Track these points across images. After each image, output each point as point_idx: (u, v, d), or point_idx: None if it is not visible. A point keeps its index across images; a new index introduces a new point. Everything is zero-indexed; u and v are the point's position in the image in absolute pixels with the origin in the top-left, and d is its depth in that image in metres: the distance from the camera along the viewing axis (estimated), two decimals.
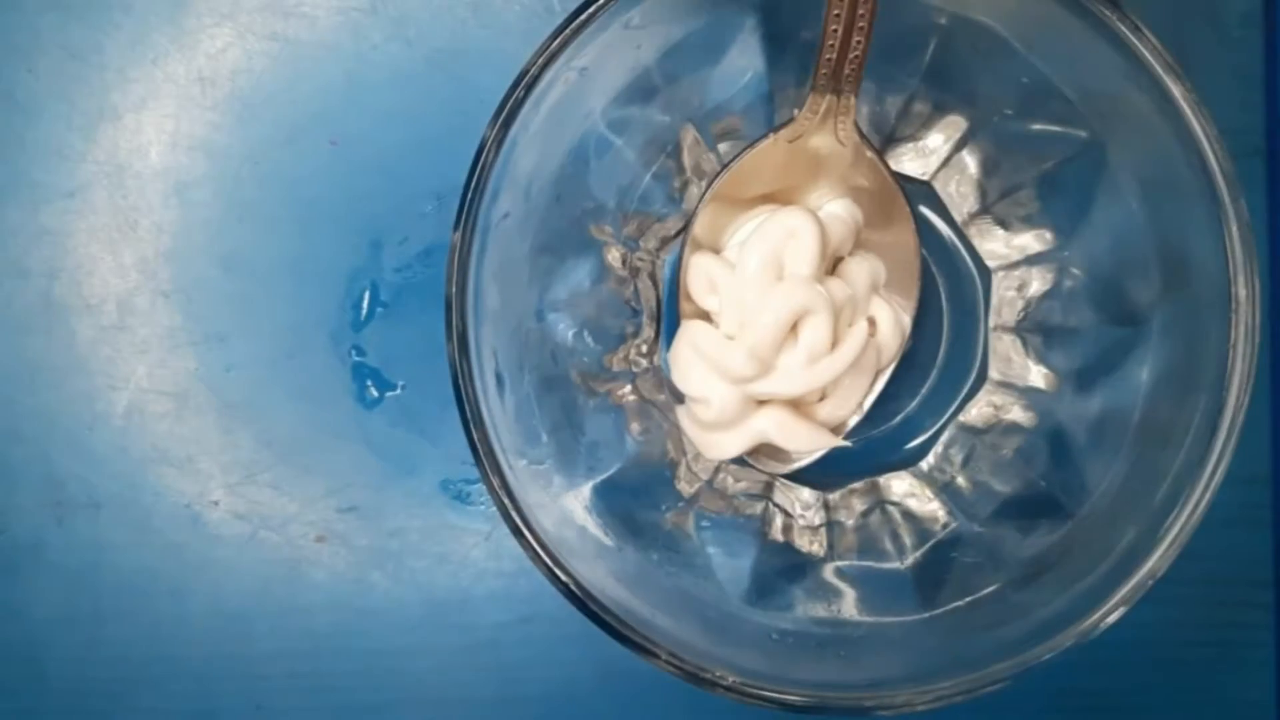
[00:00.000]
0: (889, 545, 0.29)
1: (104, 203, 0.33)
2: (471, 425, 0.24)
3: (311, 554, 0.33)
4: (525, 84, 0.24)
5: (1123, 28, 0.24)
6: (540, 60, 0.24)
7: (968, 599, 0.26)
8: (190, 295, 0.33)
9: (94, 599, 0.33)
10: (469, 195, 0.24)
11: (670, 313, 0.30)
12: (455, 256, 0.24)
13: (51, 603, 0.33)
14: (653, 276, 0.31)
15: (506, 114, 0.24)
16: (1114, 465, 0.26)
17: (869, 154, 0.27)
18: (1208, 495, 0.23)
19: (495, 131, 0.24)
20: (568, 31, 0.24)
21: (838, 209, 0.28)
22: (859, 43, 0.24)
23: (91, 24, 0.33)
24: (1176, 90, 0.23)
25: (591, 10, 0.24)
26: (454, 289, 0.24)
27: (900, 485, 0.31)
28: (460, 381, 0.24)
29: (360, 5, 0.33)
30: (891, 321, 0.29)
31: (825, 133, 0.26)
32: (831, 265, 0.29)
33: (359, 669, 0.33)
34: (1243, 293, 0.23)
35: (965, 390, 0.31)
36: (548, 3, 0.33)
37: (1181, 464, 0.24)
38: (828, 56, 0.25)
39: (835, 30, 0.24)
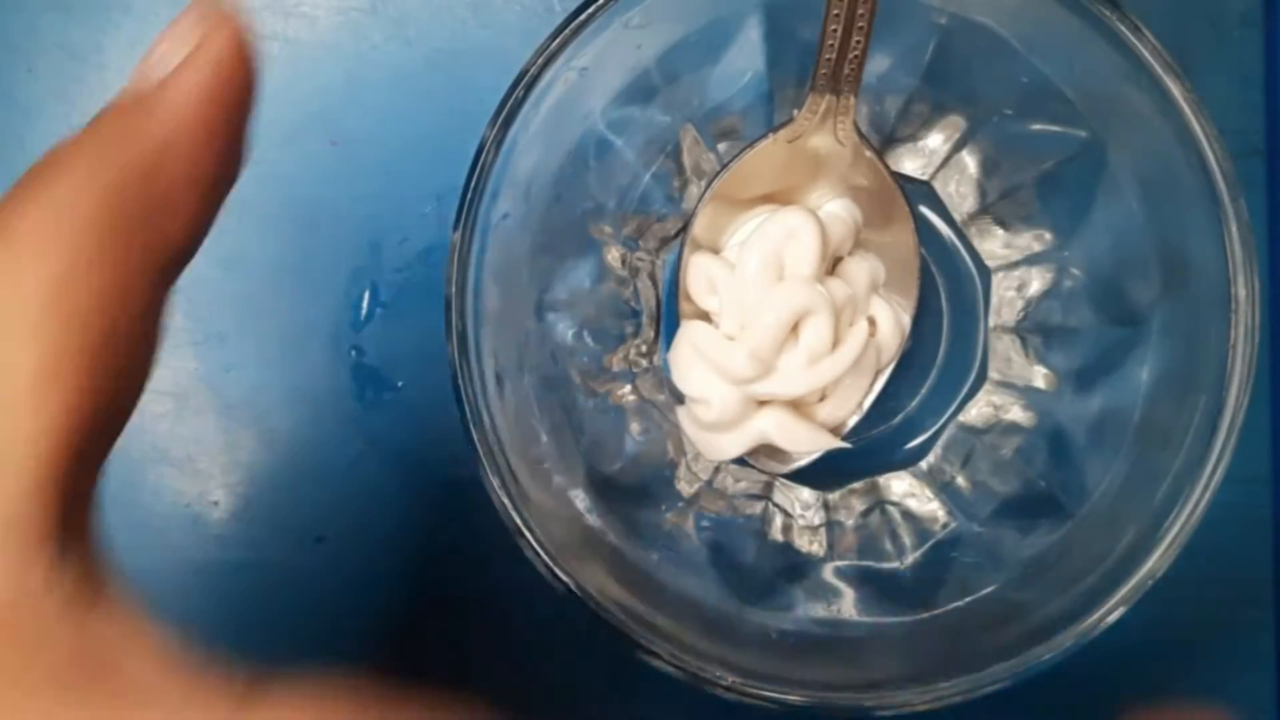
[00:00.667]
0: (889, 545, 0.29)
1: None
2: (471, 425, 0.24)
3: (311, 554, 0.33)
4: (525, 84, 0.24)
5: (1123, 28, 0.24)
6: (540, 60, 0.24)
7: (968, 599, 0.26)
8: (190, 295, 0.33)
9: None
10: (469, 195, 0.24)
11: (670, 313, 0.30)
12: (455, 256, 0.24)
13: None
14: (652, 277, 0.31)
15: (506, 114, 0.24)
16: (1114, 465, 0.26)
17: (868, 154, 0.27)
18: (1208, 495, 0.23)
19: (495, 131, 0.24)
20: (568, 31, 0.24)
21: (837, 209, 0.28)
22: (859, 43, 0.24)
23: (91, 24, 0.33)
24: (1176, 90, 0.23)
25: (591, 10, 0.24)
26: (454, 289, 0.24)
27: (900, 485, 0.31)
28: (460, 381, 0.24)
29: (360, 5, 0.33)
30: (891, 321, 0.29)
31: (825, 133, 0.26)
32: (831, 265, 0.29)
33: (358, 670, 0.33)
34: (1243, 293, 0.23)
35: (965, 390, 0.31)
36: (548, 3, 0.33)
37: (1181, 464, 0.24)
38: (827, 56, 0.25)
39: (835, 30, 0.24)
